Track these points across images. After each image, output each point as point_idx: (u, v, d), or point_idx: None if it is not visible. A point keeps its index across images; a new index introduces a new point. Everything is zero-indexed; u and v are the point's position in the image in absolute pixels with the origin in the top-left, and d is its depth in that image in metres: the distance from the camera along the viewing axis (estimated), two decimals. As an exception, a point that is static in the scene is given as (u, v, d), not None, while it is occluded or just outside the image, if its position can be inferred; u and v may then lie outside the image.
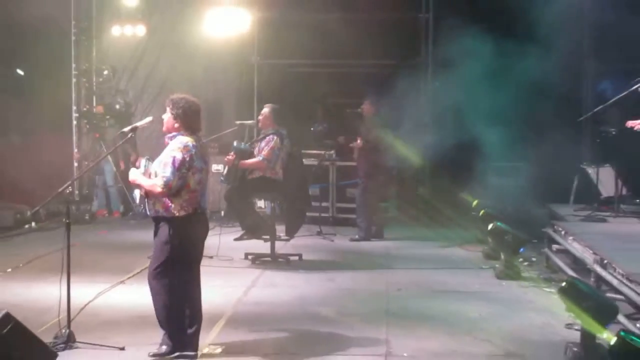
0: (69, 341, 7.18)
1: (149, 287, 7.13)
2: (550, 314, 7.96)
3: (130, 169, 7.35)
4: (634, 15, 12.14)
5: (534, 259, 11.51)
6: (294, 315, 8.60)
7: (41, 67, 15.30)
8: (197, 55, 14.85)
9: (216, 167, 11.60)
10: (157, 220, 7.09)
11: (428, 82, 16.26)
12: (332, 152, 14.93)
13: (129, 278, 9.92)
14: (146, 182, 7.04)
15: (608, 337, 6.50)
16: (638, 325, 7.54)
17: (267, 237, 11.33)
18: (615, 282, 8.07)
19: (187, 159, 6.90)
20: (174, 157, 6.90)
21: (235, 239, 11.90)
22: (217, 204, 12.49)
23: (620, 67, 13.24)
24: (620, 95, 11.77)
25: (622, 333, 5.87)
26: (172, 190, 6.87)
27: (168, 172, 6.87)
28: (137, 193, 7.23)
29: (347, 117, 14.34)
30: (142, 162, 7.28)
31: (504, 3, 12.66)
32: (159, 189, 6.89)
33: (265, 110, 11.65)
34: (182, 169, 6.87)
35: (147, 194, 7.04)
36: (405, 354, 7.32)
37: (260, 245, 11.46)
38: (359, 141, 13.51)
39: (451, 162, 13.35)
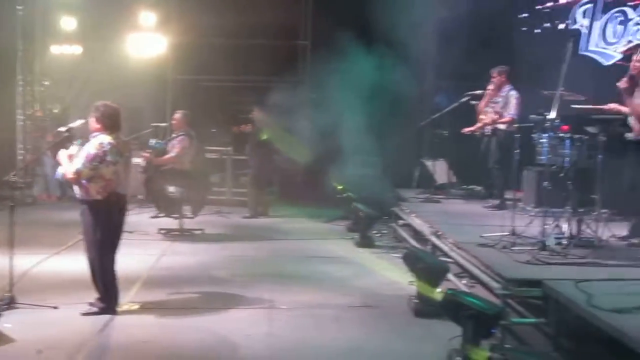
0: (11, 303, 6.90)
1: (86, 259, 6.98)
2: (397, 274, 8.08)
3: (60, 150, 7.13)
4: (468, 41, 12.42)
5: (385, 231, 11.65)
6: (196, 278, 8.49)
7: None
8: (123, 70, 14.53)
9: (137, 160, 11.36)
10: (81, 202, 6.96)
11: (306, 95, 16.31)
12: (229, 148, 14.86)
13: (62, 250, 9.60)
14: (64, 165, 6.95)
15: (437, 294, 6.65)
16: (463, 282, 7.70)
17: (177, 215, 11.22)
18: (446, 248, 8.22)
19: (100, 154, 6.80)
20: (88, 152, 6.81)
21: (151, 217, 11.78)
22: (138, 189, 12.24)
23: (453, 84, 13.50)
24: (452, 106, 12.04)
25: (449, 291, 5.95)
26: (81, 178, 6.78)
27: (80, 163, 6.77)
28: (59, 172, 7.07)
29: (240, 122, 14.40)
30: (75, 143, 7.10)
31: (366, 30, 12.75)
32: (69, 175, 6.86)
33: (178, 115, 11.76)
34: (93, 162, 6.76)
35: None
36: (284, 306, 7.32)
37: (171, 222, 11.29)
38: (248, 126, 13.54)
39: (323, 155, 13.37)
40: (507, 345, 5.62)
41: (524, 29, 13.46)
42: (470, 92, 11.56)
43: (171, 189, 10.91)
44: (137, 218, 11.15)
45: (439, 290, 7.08)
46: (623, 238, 7.89)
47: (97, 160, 6.77)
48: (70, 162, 6.90)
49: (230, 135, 15.19)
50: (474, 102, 11.46)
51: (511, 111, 10.59)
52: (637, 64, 8.03)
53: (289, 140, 13.99)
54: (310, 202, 14.18)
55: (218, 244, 10.54)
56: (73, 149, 7.05)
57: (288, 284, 8.23)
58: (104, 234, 6.88)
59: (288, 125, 13.66)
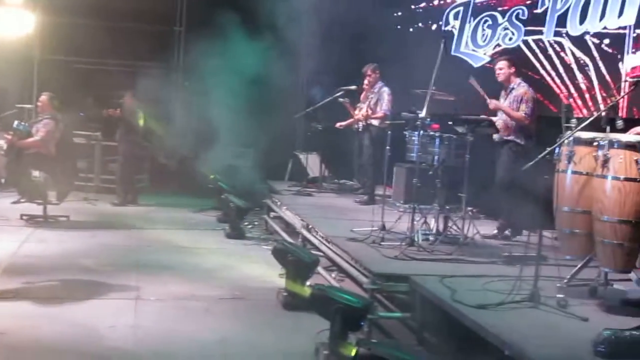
0: None
1: None
2: (268, 266, 8.05)
3: None
4: (345, 36, 12.56)
5: (256, 223, 11.65)
6: (60, 266, 8.19)
7: None
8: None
9: (-1, 142, 10.91)
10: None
11: (180, 82, 16.12)
12: (98, 133, 14.44)
13: None
14: None
15: (305, 290, 6.70)
16: (333, 275, 7.80)
17: (41, 201, 10.80)
18: (317, 242, 8.31)
19: None
20: None
21: (13, 202, 11.31)
22: (-1, 173, 11.75)
23: (329, 78, 13.62)
24: (326, 100, 12.16)
25: (317, 286, 6.02)
26: None
27: None
28: None
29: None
30: (15, 123, 6.73)
31: (243, 19, 12.67)
32: None
33: (43, 97, 11.34)
34: None
35: None
36: (152, 298, 7.19)
37: (34, 208, 10.85)
38: (117, 111, 13.20)
39: (196, 144, 13.20)
40: (373, 340, 5.74)
41: (398, 27, 13.76)
42: (344, 87, 11.72)
43: (35, 173, 10.50)
44: (-4, 202, 10.73)
45: (307, 284, 7.16)
46: (491, 236, 8.21)
47: None
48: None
49: (99, 120, 14.77)
50: (342, 99, 11.64)
51: (383, 107, 10.81)
52: (498, 71, 8.44)
53: (161, 127, 13.76)
54: (182, 191, 14.03)
55: (84, 232, 10.22)
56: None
57: (156, 275, 8.08)
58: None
59: (160, 112, 13.43)
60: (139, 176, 14.00)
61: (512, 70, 8.47)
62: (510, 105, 8.31)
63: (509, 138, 8.30)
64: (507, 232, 8.33)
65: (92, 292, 7.21)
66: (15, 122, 10.78)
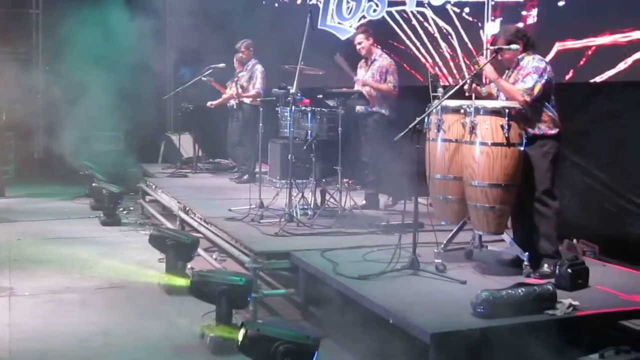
0: None
1: None
2: (146, 251, 7.77)
3: None
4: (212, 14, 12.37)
5: (131, 208, 11.36)
6: None
7: None
8: None
9: None
10: None
11: (39, 67, 15.45)
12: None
13: None
14: None
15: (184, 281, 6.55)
16: (214, 256, 7.71)
17: None
18: (195, 224, 8.19)
19: None
20: None
21: None
22: None
23: (197, 57, 13.41)
24: (195, 79, 11.98)
25: (195, 274, 5.90)
26: None
27: None
28: None
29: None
30: None
31: (103, 9, 12.26)
32: None
33: None
34: None
35: None
36: (26, 293, 6.88)
37: None
38: None
39: (63, 130, 12.71)
40: (259, 319, 5.72)
41: (264, 2, 13.67)
42: (213, 65, 11.57)
43: None
44: None
45: (188, 267, 7.07)
46: (361, 207, 8.29)
47: None
48: None
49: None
50: (205, 78, 11.51)
51: (257, 86, 10.71)
52: (358, 45, 8.51)
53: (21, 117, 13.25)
54: (51, 181, 13.51)
55: (-53, 230, 9.69)
56: None
57: (30, 269, 7.72)
58: None
59: (21, 100, 12.83)
60: (4, 167, 13.35)
61: (371, 41, 8.56)
62: (374, 76, 8.40)
63: (374, 110, 8.39)
64: (388, 200, 8.42)
65: (-38, 293, 6.84)
66: None
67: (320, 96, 8.15)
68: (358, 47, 8.56)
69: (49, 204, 11.87)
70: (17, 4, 15.19)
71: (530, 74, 5.73)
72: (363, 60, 8.63)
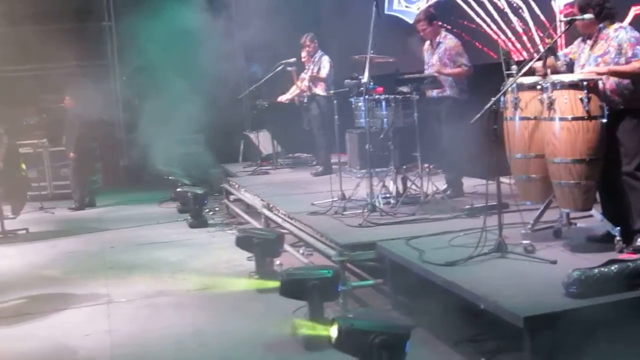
0: None
1: None
2: (234, 251, 7.78)
3: None
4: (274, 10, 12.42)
5: (217, 209, 11.55)
6: (26, 281, 8.00)
7: None
8: None
9: (-57, 164, 10.63)
10: None
11: (117, 77, 15.85)
12: (45, 140, 14.16)
13: None
14: None
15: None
16: (300, 251, 7.77)
17: (-5, 217, 10.59)
18: (279, 220, 8.25)
19: None
20: None
21: (-32, 224, 11.03)
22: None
23: (266, 54, 13.49)
24: (268, 76, 12.04)
25: (284, 273, 5.90)
26: None
27: None
28: None
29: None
30: None
31: (174, 11, 12.45)
32: None
33: (-21, 113, 10.96)
34: None
35: None
36: (124, 299, 7.09)
37: (-10, 226, 10.64)
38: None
39: (143, 137, 13.01)
40: (349, 311, 5.74)
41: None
42: (283, 61, 11.61)
43: (-15, 190, 10.25)
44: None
45: (277, 263, 7.14)
46: (442, 192, 8.18)
47: None
48: None
49: (43, 127, 14.49)
50: (290, 68, 11.53)
51: (323, 75, 10.73)
52: (422, 32, 8.34)
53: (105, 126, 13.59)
54: (137, 187, 13.87)
55: (46, 242, 10.03)
56: None
57: (124, 276, 7.96)
58: None
59: (102, 110, 13.16)
60: (92, 177, 13.76)
61: (434, 24, 8.31)
62: (441, 60, 8.20)
63: (445, 94, 8.18)
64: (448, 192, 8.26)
65: (62, 303, 7.07)
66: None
67: (394, 84, 8.07)
68: (422, 32, 8.40)
69: (137, 211, 12.20)
70: (90, 18, 15.65)
71: (634, 45, 5.51)
72: (428, 42, 8.46)
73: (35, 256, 9.24)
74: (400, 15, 11.47)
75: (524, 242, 5.63)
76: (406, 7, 11.43)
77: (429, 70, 8.34)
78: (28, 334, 6.32)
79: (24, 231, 10.67)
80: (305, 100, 11.16)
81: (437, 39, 8.29)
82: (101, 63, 15.82)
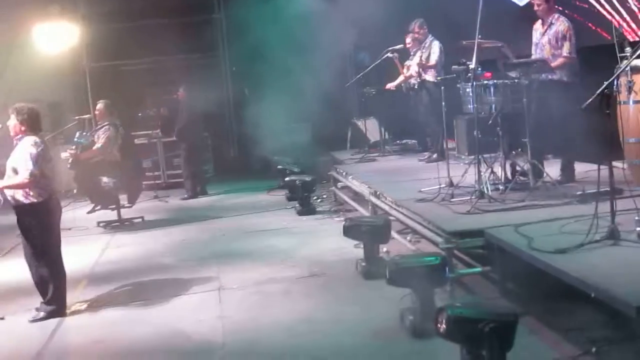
0: (-45, 319, 6.78)
1: (27, 264, 6.84)
2: (342, 238, 7.80)
3: None
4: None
5: (325, 196, 11.69)
6: (142, 268, 8.38)
7: None
8: (37, 64, 14.09)
9: (64, 155, 11.14)
10: (16, 208, 6.76)
11: (227, 68, 16.22)
12: (158, 131, 14.65)
13: (0, 257, 9.42)
14: (13, 182, 6.68)
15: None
16: (408, 238, 7.78)
17: (114, 206, 11.05)
18: (387, 207, 8.28)
19: (41, 152, 6.65)
20: (31, 153, 6.62)
21: (88, 212, 11.55)
22: (69, 184, 12.03)
23: (372, 40, 13.49)
24: (375, 63, 12.07)
25: (390, 263, 5.89)
26: (37, 179, 6.59)
27: (30, 165, 6.57)
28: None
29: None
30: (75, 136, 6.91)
31: (282, 2, 12.65)
32: (26, 181, 6.60)
33: (100, 105, 11.44)
34: (39, 160, 6.60)
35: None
36: (235, 286, 7.30)
37: (109, 214, 11.12)
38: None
39: (252, 127, 13.29)
40: (456, 300, 5.73)
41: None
42: (390, 48, 11.61)
43: (104, 180, 10.71)
44: (73, 214, 10.94)
45: (383, 250, 7.20)
46: (558, 180, 8.00)
47: (42, 159, 6.64)
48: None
49: (157, 118, 15.01)
50: (391, 55, 11.52)
51: (434, 59, 10.66)
52: (536, 7, 8.10)
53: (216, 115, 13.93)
54: (246, 176, 14.17)
55: (160, 230, 10.44)
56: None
57: (235, 263, 8.20)
58: (44, 236, 6.73)
59: (213, 101, 13.51)
60: (203, 167, 14.17)
61: (550, 2, 8.10)
62: (550, 41, 7.95)
63: (555, 78, 7.90)
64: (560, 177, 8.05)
65: (177, 289, 7.35)
66: (77, 135, 11.00)
67: (502, 68, 7.95)
68: (536, 7, 8.17)
69: (246, 199, 12.49)
70: (200, 11, 16.05)
71: None
72: (540, 21, 8.21)
73: (150, 244, 9.64)
74: (509, -2, 11.25)
75: (638, 229, 5.48)
76: (516, -12, 11.19)
77: (537, 52, 8.13)
78: (143, 318, 6.62)
79: (140, 219, 11.14)
80: (416, 86, 11.12)
81: (550, 19, 8.00)
82: (212, 55, 16.23)
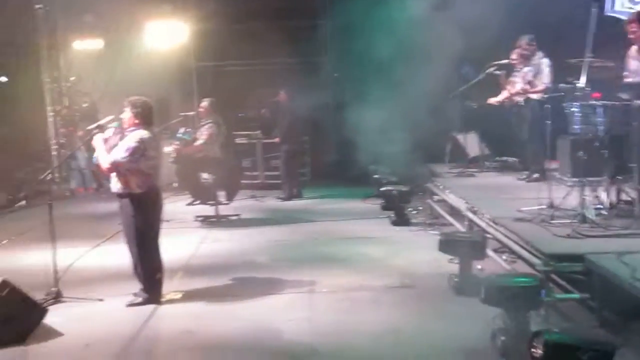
0: (57, 297, 7.04)
1: (128, 251, 7.05)
2: (435, 251, 7.69)
3: (96, 135, 7.11)
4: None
5: (420, 208, 11.58)
6: (236, 264, 8.52)
7: (20, 75, 15.03)
8: (147, 61, 14.52)
9: (167, 149, 11.45)
10: (120, 196, 6.98)
11: (329, 74, 16.30)
12: (258, 132, 14.85)
13: (103, 242, 9.73)
14: (100, 152, 6.95)
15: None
16: (504, 257, 7.64)
17: (212, 202, 11.26)
18: (483, 224, 8.14)
19: (141, 148, 6.82)
20: (129, 145, 6.83)
21: (187, 205, 11.83)
22: (171, 178, 12.34)
23: (477, 55, 13.30)
24: (478, 77, 11.89)
25: (487, 279, 5.80)
26: (118, 169, 6.84)
27: (119, 155, 6.81)
28: (95, 157, 7.13)
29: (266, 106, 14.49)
30: (112, 125, 7.12)
31: (387, 9, 12.62)
32: (105, 165, 6.90)
33: (205, 103, 11.70)
34: (135, 155, 6.79)
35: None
36: (324, 290, 7.33)
37: (206, 209, 11.34)
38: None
39: (351, 133, 13.30)
40: (551, 325, 5.57)
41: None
42: (496, 62, 11.41)
43: (204, 176, 10.94)
44: (173, 207, 11.22)
45: (478, 267, 7.07)
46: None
47: (138, 154, 6.81)
48: (106, 150, 6.91)
49: (258, 119, 15.22)
50: (498, 72, 11.32)
51: (544, 80, 10.39)
52: (631, 33, 7.79)
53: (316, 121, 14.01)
54: (342, 182, 14.19)
55: (255, 229, 10.58)
56: (109, 131, 7.08)
57: (327, 267, 8.22)
58: (144, 225, 6.93)
59: (314, 106, 13.59)
60: (301, 170, 14.28)
61: None
62: None
63: None
64: None
65: (268, 288, 7.44)
66: (181, 131, 11.27)
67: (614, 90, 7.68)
68: (631, 35, 7.87)
69: (341, 205, 12.53)
70: (306, 16, 16.20)
71: None
72: (635, 48, 7.91)
73: (245, 241, 9.79)
74: (623, 17, 10.90)
75: None
76: (629, 8, 10.84)
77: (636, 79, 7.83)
78: (234, 313, 6.73)
79: (236, 217, 11.31)
80: (522, 103, 10.87)
81: None
82: (315, 60, 16.33)
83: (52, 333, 6.22)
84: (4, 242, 10.10)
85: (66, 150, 14.72)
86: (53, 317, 6.46)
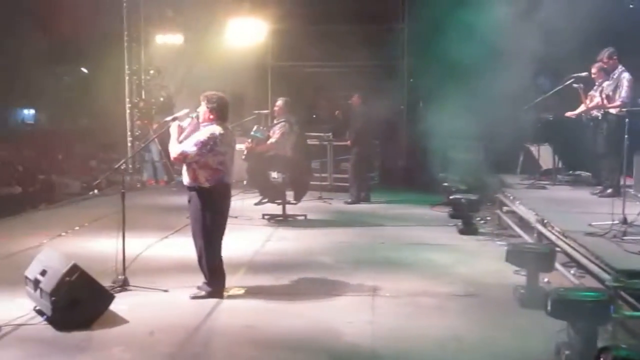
0: (124, 285, 7.19)
1: (193, 243, 7.15)
2: (502, 262, 7.57)
3: (173, 124, 7.22)
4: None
5: (488, 218, 11.42)
6: (300, 263, 8.55)
7: (101, 67, 15.45)
8: (224, 57, 14.73)
9: (240, 146, 11.55)
10: (189, 189, 7.08)
11: (404, 79, 16.24)
12: (330, 134, 14.88)
13: (171, 234, 9.89)
14: (173, 142, 7.07)
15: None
16: (572, 271, 7.48)
17: (280, 201, 11.33)
18: (553, 237, 7.99)
19: (211, 143, 6.90)
20: (198, 139, 6.93)
21: (255, 204, 11.93)
22: (241, 175, 12.46)
23: (555, 65, 13.07)
24: (556, 89, 11.68)
25: (555, 292, 5.63)
26: (185, 161, 6.94)
27: (188, 147, 6.92)
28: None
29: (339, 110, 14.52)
30: (192, 116, 7.22)
31: (466, 15, 12.49)
32: (173, 155, 7.03)
33: (279, 102, 11.75)
34: (202, 149, 6.87)
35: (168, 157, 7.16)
36: (387, 294, 7.29)
37: (274, 208, 11.42)
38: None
39: (423, 139, 13.22)
40: (620, 342, 5.43)
41: (631, 6, 12.85)
42: (574, 75, 11.18)
43: (274, 175, 11.01)
44: (241, 203, 11.31)
45: (544, 280, 6.94)
46: None
47: (207, 149, 6.89)
48: (179, 140, 7.02)
49: (330, 122, 15.26)
50: (576, 85, 11.09)
51: (622, 95, 10.13)
52: None
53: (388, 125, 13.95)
54: (411, 188, 14.12)
55: (321, 230, 10.60)
56: (187, 121, 7.19)
57: (391, 271, 8.18)
58: (211, 220, 7.00)
59: (388, 110, 13.57)
60: (370, 174, 14.25)
61: None
62: None
63: None
64: None
65: (331, 288, 7.44)
66: (254, 128, 11.37)
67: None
68: None
69: (408, 210, 12.47)
70: (384, 20, 16.20)
71: None
72: None
73: (310, 242, 9.81)
74: None
75: None
76: None
77: None
78: (295, 311, 6.75)
79: (303, 217, 11.35)
80: (600, 117, 10.62)
81: None
82: (391, 64, 16.30)
83: (117, 319, 6.36)
84: (76, 228, 10.36)
85: (140, 142, 15.02)
86: (119, 304, 6.59)
